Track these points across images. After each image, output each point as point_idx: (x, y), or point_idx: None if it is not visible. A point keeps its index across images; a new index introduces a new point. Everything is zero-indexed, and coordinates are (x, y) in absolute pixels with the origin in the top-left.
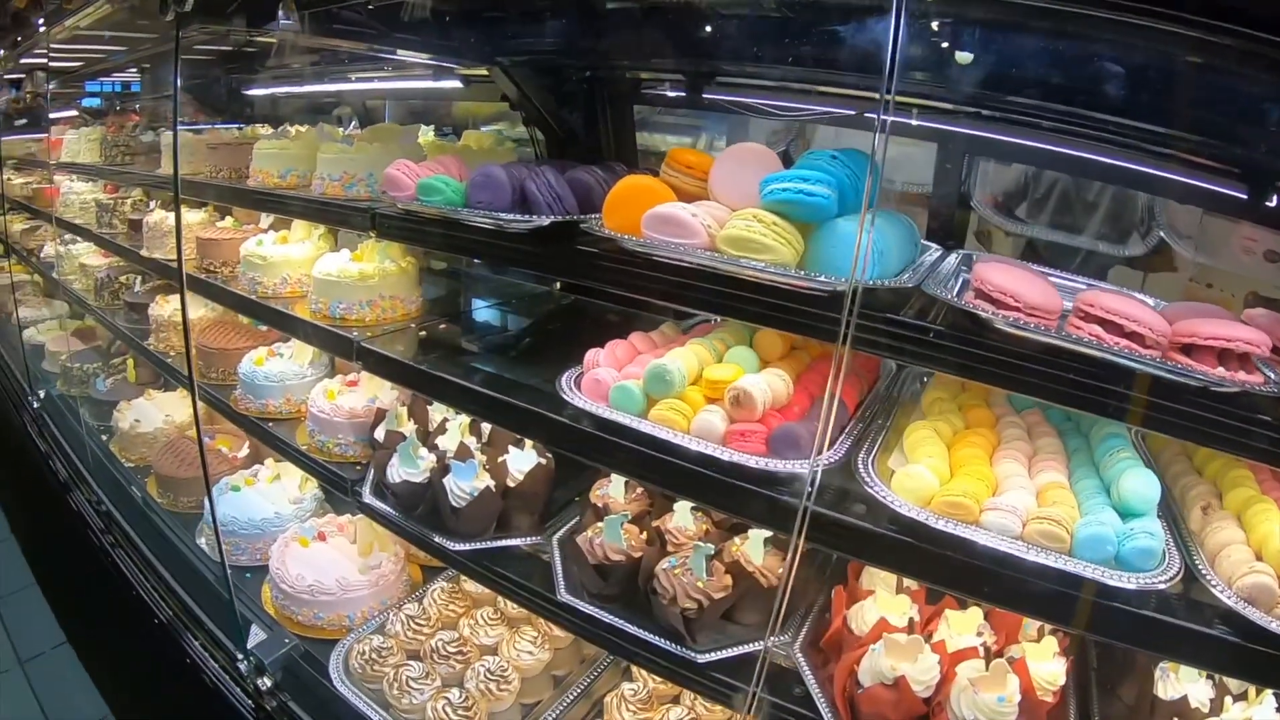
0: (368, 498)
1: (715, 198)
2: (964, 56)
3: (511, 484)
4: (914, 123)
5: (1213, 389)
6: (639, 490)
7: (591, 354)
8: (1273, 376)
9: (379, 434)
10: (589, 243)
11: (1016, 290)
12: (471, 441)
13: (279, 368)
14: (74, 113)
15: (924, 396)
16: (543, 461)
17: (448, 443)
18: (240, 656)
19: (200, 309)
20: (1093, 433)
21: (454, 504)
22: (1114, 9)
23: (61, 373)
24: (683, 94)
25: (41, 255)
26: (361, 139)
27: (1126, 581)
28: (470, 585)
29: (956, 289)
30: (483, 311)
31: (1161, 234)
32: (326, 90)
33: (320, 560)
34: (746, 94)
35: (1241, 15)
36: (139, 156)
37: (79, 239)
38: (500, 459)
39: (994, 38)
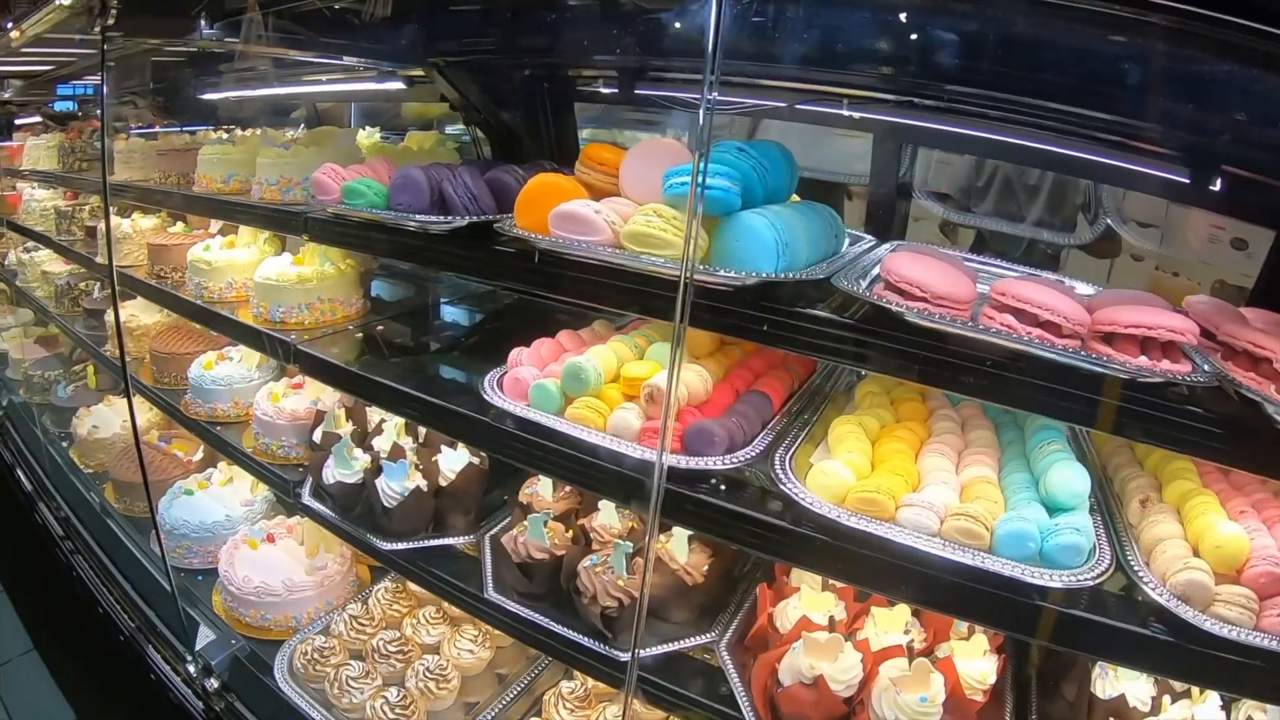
0: (307, 499)
1: (625, 193)
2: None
3: (444, 483)
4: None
5: (1140, 380)
6: (567, 489)
7: (515, 353)
8: (1205, 366)
9: (317, 436)
10: (504, 243)
11: (923, 280)
12: (407, 442)
13: (227, 371)
14: (35, 119)
15: (857, 390)
16: (474, 461)
17: (383, 443)
18: (189, 658)
19: (155, 314)
20: (1027, 425)
21: (386, 503)
22: None
23: (23, 380)
24: (615, 90)
25: (5, 263)
26: (299, 143)
27: (1051, 580)
28: (414, 585)
29: (867, 282)
30: (426, 311)
31: (1109, 220)
32: (277, 94)
33: (268, 562)
34: (679, 89)
35: None
36: (94, 163)
37: (40, 246)
38: (433, 459)
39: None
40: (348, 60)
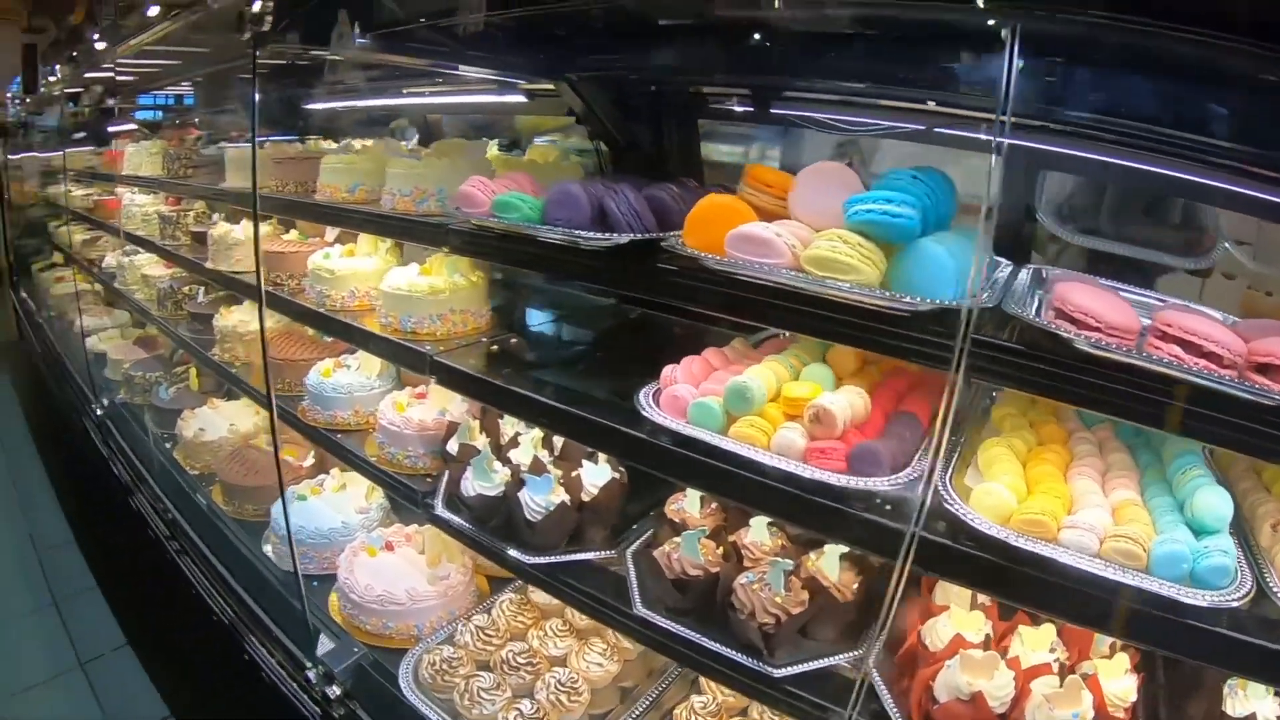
0: (440, 510)
1: (795, 216)
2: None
3: (586, 498)
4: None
5: None
6: (713, 505)
7: (669, 370)
8: None
9: (451, 447)
10: (668, 260)
11: (1097, 310)
12: (544, 455)
13: (347, 380)
14: (136, 126)
15: (994, 411)
16: (617, 476)
17: (521, 456)
18: (309, 665)
19: (268, 321)
20: (1164, 449)
21: (529, 517)
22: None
23: (123, 381)
24: (750, 109)
25: (103, 265)
26: (430, 154)
27: (1200, 599)
28: (539, 597)
29: (1034, 308)
30: (549, 325)
31: (1227, 245)
32: (387, 105)
33: (389, 570)
34: (813, 109)
35: None
36: (200, 170)
37: (140, 250)
38: (574, 473)
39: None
40: (482, 74)
